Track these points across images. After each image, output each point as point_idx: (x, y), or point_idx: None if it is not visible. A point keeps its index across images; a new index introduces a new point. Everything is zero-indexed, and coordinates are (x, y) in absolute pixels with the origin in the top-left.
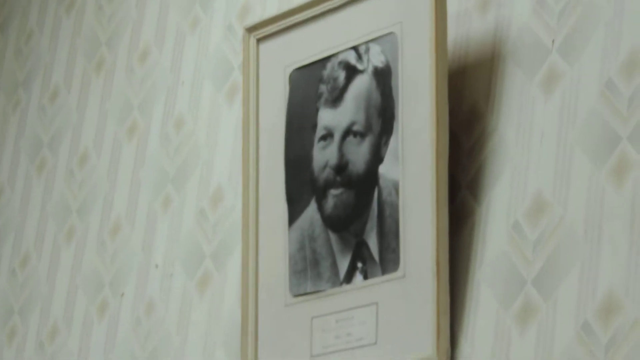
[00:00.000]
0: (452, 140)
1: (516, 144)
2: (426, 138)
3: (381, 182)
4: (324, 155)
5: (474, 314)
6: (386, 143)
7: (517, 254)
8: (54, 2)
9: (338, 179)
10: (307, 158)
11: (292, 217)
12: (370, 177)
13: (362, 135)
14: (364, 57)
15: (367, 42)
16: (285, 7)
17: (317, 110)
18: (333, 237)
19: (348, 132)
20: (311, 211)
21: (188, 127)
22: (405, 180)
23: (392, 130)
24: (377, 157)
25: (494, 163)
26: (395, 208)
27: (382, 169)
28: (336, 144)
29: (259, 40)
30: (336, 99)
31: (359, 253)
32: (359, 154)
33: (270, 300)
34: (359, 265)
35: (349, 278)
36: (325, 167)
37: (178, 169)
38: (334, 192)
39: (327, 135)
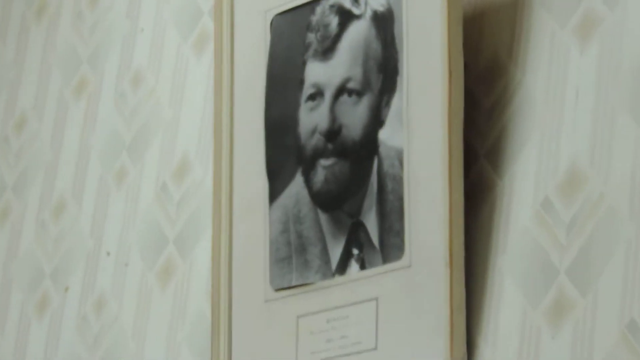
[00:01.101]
0: (467, 99)
1: (546, 104)
2: (436, 97)
3: (382, 150)
4: (312, 118)
5: (496, 311)
6: (388, 103)
7: (547, 238)
8: None
9: (329, 146)
10: (292, 121)
11: (274, 193)
12: (368, 145)
13: (358, 93)
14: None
15: None
16: None
17: (304, 64)
18: (323, 217)
19: (342, 90)
20: (297, 186)
21: (148, 84)
22: (411, 149)
23: (395, 87)
24: (376, 120)
25: (519, 127)
26: (398, 182)
27: (383, 135)
28: (327, 105)
29: None
30: (327, 51)
31: (355, 237)
32: (354, 116)
33: (246, 294)
34: (355, 252)
35: (342, 268)
36: (314, 132)
37: (136, 135)
38: (324, 162)
39: (317, 94)
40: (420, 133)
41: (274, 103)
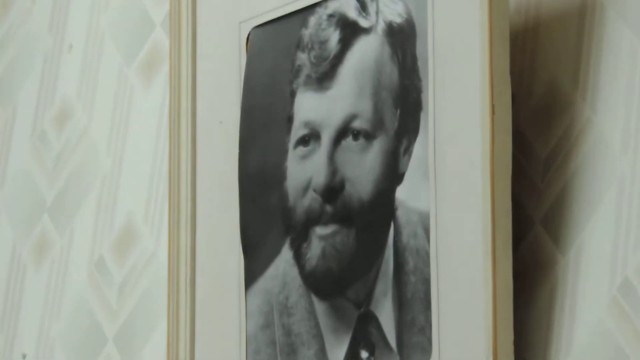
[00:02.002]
0: (517, 144)
1: (624, 151)
2: (474, 141)
3: (400, 214)
4: (304, 170)
5: None
6: (408, 150)
7: (626, 333)
8: None
9: (328, 209)
10: (277, 174)
11: (252, 273)
12: (381, 207)
13: (367, 136)
14: (371, 7)
15: None
16: None
17: (292, 95)
18: (320, 307)
19: (344, 131)
20: (283, 264)
21: (78, 123)
22: (441, 213)
23: (418, 128)
24: (392, 173)
25: (589, 181)
26: (423, 258)
27: (402, 193)
28: (325, 151)
29: None
30: (325, 77)
31: (364, 334)
32: (362, 167)
33: None
34: (364, 355)
35: None
36: (306, 189)
37: (61, 193)
38: (321, 231)
39: (310, 137)
40: (453, 191)
41: (252, 149)
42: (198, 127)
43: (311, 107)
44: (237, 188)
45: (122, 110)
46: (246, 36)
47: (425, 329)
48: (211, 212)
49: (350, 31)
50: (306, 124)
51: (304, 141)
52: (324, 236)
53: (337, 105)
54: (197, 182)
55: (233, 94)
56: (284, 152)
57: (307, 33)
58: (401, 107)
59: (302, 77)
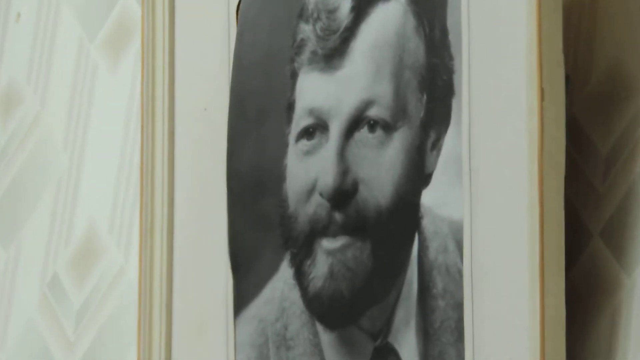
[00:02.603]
0: (572, 138)
1: None
2: (519, 135)
3: (426, 224)
4: (308, 169)
5: None
6: (436, 145)
7: None
8: None
9: (337, 217)
10: (274, 174)
11: (242, 296)
12: (403, 215)
13: (386, 127)
14: None
15: None
16: None
17: (293, 76)
18: (327, 338)
19: (358, 121)
20: (282, 284)
21: (28, 109)
22: (478, 222)
23: (450, 117)
24: (417, 173)
25: None
26: (455, 279)
27: (429, 198)
28: (334, 146)
29: None
30: (334, 54)
31: None
32: (380, 166)
33: None
34: None
35: None
36: (311, 192)
37: (5, 196)
38: (328, 244)
39: (316, 128)
40: (493, 196)
41: (244, 143)
42: (177, 116)
43: (317, 91)
44: (225, 191)
45: (83, 95)
46: (236, 5)
47: None
48: (192, 221)
49: None
50: (311, 112)
51: (307, 133)
52: (332, 251)
53: (349, 88)
54: (175, 184)
55: (220, 76)
56: (283, 147)
57: (311, 0)
58: (428, 92)
59: (305, 55)
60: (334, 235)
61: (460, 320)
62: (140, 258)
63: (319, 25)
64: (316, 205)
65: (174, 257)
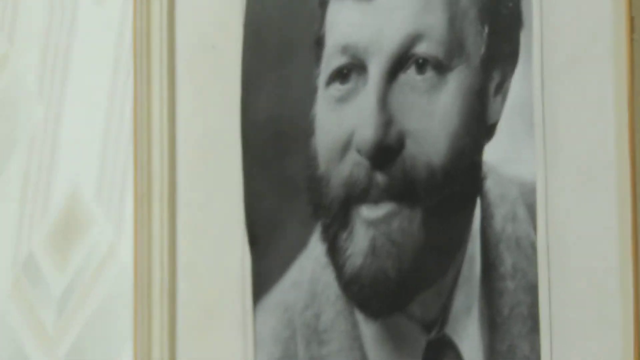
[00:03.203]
0: None
1: None
2: (604, 75)
3: (490, 187)
4: (342, 119)
5: None
6: (501, 87)
7: None
8: None
9: (380, 179)
10: (300, 125)
11: (263, 278)
12: (461, 176)
13: (439, 67)
14: None
15: None
16: None
17: (322, 4)
18: (369, 330)
19: (404, 59)
20: (312, 263)
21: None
22: (555, 184)
23: (517, 54)
24: (478, 123)
25: None
26: (527, 254)
27: (493, 155)
28: (374, 91)
29: None
30: None
31: None
32: (432, 115)
33: None
34: None
35: None
36: (346, 148)
37: None
38: (369, 213)
39: (352, 68)
40: (573, 149)
41: (262, 88)
42: (178, 56)
43: (352, 23)
44: (239, 147)
45: (61, 30)
46: None
47: None
48: (199, 184)
49: None
50: (344, 50)
51: (341, 75)
52: (373, 221)
53: (391, 19)
54: (176, 139)
55: (231, 5)
56: (311, 93)
57: None
58: (490, 23)
59: None
60: (376, 201)
61: (534, 306)
62: (136, 232)
63: None
64: (353, 165)
65: (177, 231)
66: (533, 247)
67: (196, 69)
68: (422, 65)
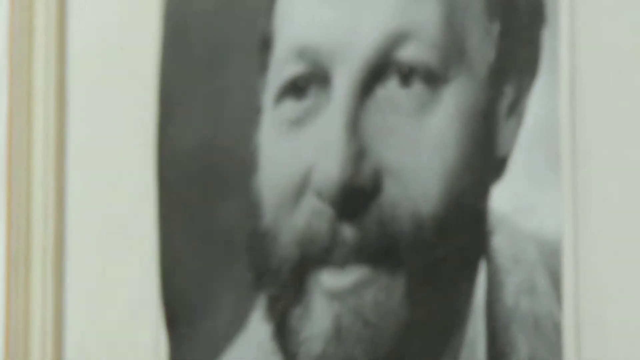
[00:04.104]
0: None
1: None
2: None
3: (499, 245)
4: (296, 149)
5: None
6: (516, 106)
7: None
8: None
9: (347, 233)
10: (239, 157)
11: None
12: (460, 230)
13: (431, 77)
14: None
15: None
16: None
17: None
18: None
19: (381, 67)
20: (253, 350)
21: None
22: (586, 243)
23: (537, 61)
24: (483, 156)
25: None
26: (550, 340)
27: (504, 199)
28: (340, 110)
29: None
30: None
31: None
32: (419, 145)
33: None
34: None
35: None
36: (302, 189)
37: None
38: (332, 281)
39: (311, 79)
40: (614, 198)
41: (185, 104)
42: (69, 62)
43: (313, 17)
44: (153, 191)
45: None
46: None
47: None
48: (94, 245)
49: None
50: (302, 53)
51: (296, 89)
52: (338, 292)
53: (367, 14)
54: (66, 182)
55: (148, 6)
56: (254, 113)
57: None
58: (503, 19)
59: None
60: (342, 264)
61: None
62: (8, 300)
63: None
64: (311, 214)
65: (65, 305)
66: (557, 329)
67: (94, 80)
68: (407, 75)
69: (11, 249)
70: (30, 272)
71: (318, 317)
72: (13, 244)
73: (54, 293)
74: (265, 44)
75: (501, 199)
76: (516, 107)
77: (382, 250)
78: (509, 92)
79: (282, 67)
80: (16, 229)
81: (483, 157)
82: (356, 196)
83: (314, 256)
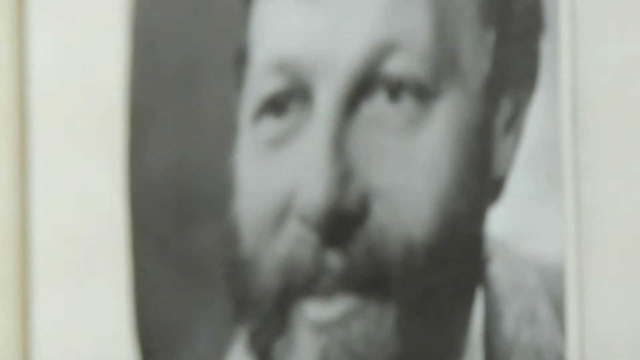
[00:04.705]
0: None
1: None
2: None
3: (497, 273)
4: (277, 172)
5: None
6: (514, 122)
7: None
8: None
9: (332, 261)
10: (215, 182)
11: None
12: (454, 256)
13: (421, 91)
14: None
15: None
16: None
17: (247, 3)
18: None
19: (367, 81)
20: None
21: None
22: (592, 269)
23: (535, 72)
24: (479, 176)
25: None
26: None
27: (502, 224)
28: (324, 129)
29: None
30: None
31: None
32: (409, 165)
33: None
34: None
35: None
36: (283, 216)
37: None
38: (317, 312)
39: (291, 95)
40: (620, 220)
41: (156, 123)
42: (29, 80)
43: (292, 27)
44: (123, 219)
45: None
46: None
47: None
48: (61, 275)
49: None
50: (281, 68)
51: (276, 106)
52: (324, 323)
53: (351, 23)
54: (30, 206)
55: (108, 4)
56: (230, 132)
57: None
58: (499, 26)
59: None
60: (328, 294)
61: None
62: None
63: None
64: (294, 240)
65: (32, 338)
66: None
67: (57, 99)
68: (395, 90)
69: None
70: None
71: (303, 351)
72: None
73: (20, 328)
74: (241, 58)
75: (498, 222)
76: (514, 123)
77: (371, 279)
78: (505, 106)
79: (260, 82)
80: None
81: (479, 178)
82: (342, 221)
83: (298, 286)
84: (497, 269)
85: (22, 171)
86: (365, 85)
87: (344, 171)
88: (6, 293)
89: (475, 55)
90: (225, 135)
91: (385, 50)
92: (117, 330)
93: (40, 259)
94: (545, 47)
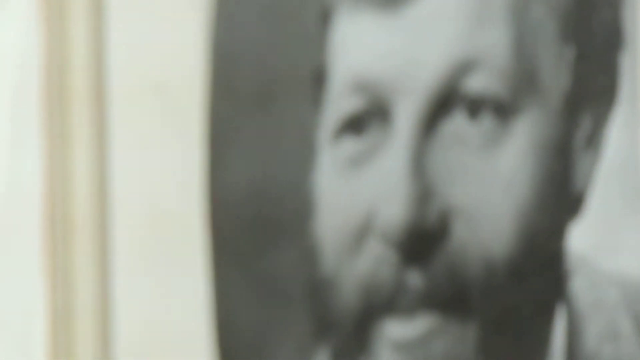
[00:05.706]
0: None
1: None
2: None
3: (579, 288)
4: (356, 190)
5: None
6: (594, 138)
7: None
8: None
9: (413, 279)
10: (293, 199)
11: None
12: (535, 272)
13: (501, 108)
14: None
15: None
16: None
17: (325, 19)
18: None
19: (447, 99)
20: None
21: None
22: None
23: (615, 87)
24: (559, 192)
25: None
26: None
27: (583, 240)
28: (403, 147)
29: None
30: None
31: None
32: (489, 183)
33: None
34: None
35: None
36: (363, 233)
37: None
38: (398, 330)
39: (370, 115)
40: None
41: (233, 147)
42: (109, 102)
43: (371, 46)
44: (202, 240)
45: None
46: None
47: None
48: (144, 295)
49: None
50: (360, 87)
51: (355, 125)
52: (406, 342)
53: (430, 40)
54: (107, 230)
55: (187, 27)
56: (310, 152)
57: None
58: (579, 42)
59: None
60: (410, 313)
61: None
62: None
63: None
64: (374, 259)
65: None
66: None
67: (136, 121)
68: (475, 108)
69: (55, 302)
70: (74, 328)
71: None
72: (57, 298)
73: (101, 347)
74: (319, 77)
75: (579, 238)
76: (593, 139)
77: (452, 297)
78: (585, 122)
79: (339, 101)
80: (59, 281)
81: (558, 195)
82: (423, 239)
83: (379, 304)
84: (578, 285)
85: (101, 198)
86: (444, 103)
87: (423, 189)
88: (85, 318)
89: (555, 71)
90: (304, 155)
91: (464, 67)
92: (200, 353)
93: (121, 283)
94: (625, 64)
